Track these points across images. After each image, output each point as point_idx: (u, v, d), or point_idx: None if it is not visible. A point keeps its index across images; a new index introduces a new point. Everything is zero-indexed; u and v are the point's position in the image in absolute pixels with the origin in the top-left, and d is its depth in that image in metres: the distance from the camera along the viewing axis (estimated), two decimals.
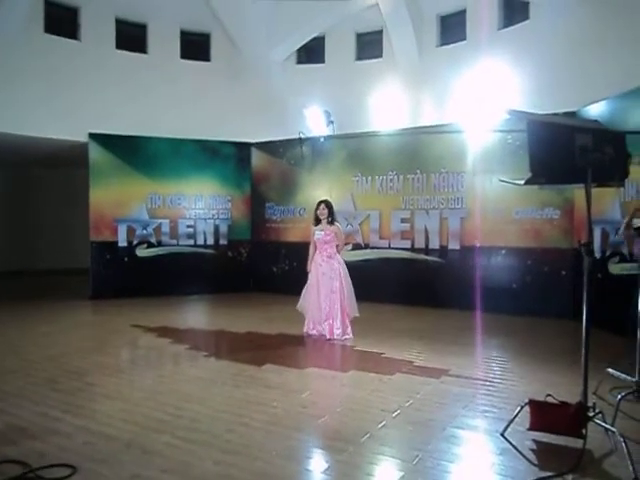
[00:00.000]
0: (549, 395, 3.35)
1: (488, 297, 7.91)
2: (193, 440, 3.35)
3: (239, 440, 3.36)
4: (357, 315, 6.56)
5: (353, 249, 9.46)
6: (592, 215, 3.12)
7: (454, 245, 8.64)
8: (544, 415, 3.26)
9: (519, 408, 3.41)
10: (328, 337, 6.31)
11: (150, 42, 10.78)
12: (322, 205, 6.54)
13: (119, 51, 10.38)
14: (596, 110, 6.98)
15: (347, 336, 6.36)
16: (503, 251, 8.23)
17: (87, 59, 9.90)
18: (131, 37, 10.65)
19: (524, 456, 3.11)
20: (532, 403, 3.33)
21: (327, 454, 3.25)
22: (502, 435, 3.36)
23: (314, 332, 6.49)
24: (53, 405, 4.00)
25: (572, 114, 7.36)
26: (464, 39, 9.65)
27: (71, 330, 7.24)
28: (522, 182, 3.27)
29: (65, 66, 9.66)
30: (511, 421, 3.39)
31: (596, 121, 3.63)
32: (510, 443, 3.27)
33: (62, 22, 9.93)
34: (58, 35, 9.73)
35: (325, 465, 3.09)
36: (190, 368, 5.25)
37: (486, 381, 4.68)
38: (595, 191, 3.18)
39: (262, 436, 3.42)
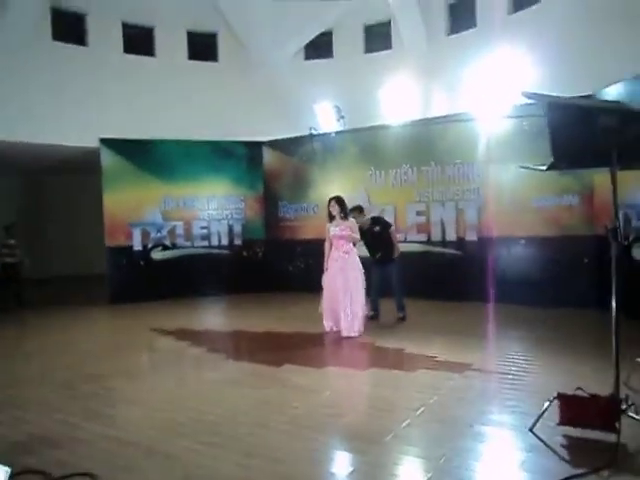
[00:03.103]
0: (579, 388, 3.22)
1: (508, 289, 7.75)
2: (215, 444, 3.29)
3: (261, 442, 3.29)
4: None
5: None
6: None
7: (472, 236, 8.49)
8: (574, 409, 3.14)
9: (547, 402, 3.28)
10: (346, 333, 6.21)
11: (157, 45, 10.80)
12: (332, 202, 6.49)
13: (127, 55, 10.41)
14: (614, 92, 6.77)
15: (360, 331, 6.26)
16: (522, 241, 8.06)
17: (95, 64, 9.94)
18: (138, 40, 10.67)
19: (555, 452, 3.00)
20: (561, 397, 3.21)
21: (351, 455, 3.17)
22: (531, 431, 3.24)
23: (333, 328, 6.40)
24: (73, 412, 3.97)
25: (588, 97, 7.15)
26: (474, 26, 9.51)
27: (90, 335, 7.30)
28: (544, 167, 3.15)
29: (73, 72, 9.69)
30: (540, 416, 3.26)
31: (618, 102, 3.49)
32: (539, 439, 3.15)
33: (69, 29, 9.98)
34: (66, 42, 9.78)
35: (349, 467, 3.01)
36: (209, 371, 5.20)
37: (510, 375, 4.55)
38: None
39: (284, 438, 3.36)
